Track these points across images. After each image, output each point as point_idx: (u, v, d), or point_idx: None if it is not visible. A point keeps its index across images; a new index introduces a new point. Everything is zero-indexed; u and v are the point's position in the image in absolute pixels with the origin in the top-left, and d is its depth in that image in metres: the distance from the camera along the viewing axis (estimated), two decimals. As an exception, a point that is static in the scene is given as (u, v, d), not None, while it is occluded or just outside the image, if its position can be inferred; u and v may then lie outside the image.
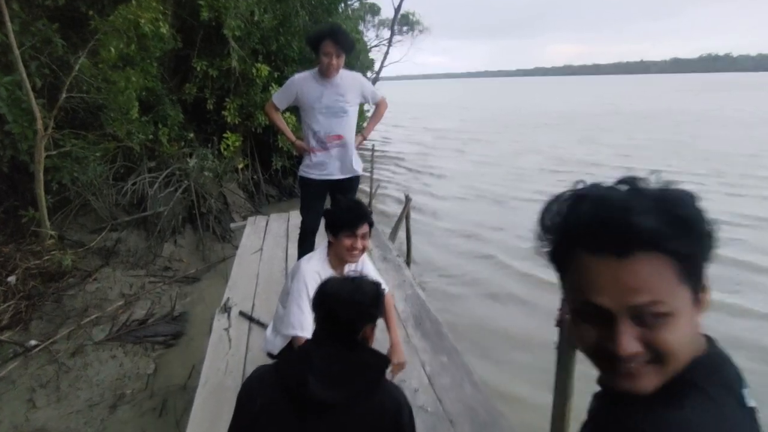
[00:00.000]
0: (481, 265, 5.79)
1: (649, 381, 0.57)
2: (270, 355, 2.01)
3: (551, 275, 0.64)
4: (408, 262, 4.10)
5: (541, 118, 24.50)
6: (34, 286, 4.10)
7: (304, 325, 1.76)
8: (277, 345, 1.93)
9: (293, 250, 3.80)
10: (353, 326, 1.12)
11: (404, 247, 4.94)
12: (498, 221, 7.46)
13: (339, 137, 2.86)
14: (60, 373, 3.29)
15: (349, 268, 1.98)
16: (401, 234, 4.92)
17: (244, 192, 7.83)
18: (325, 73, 2.75)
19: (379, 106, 3.09)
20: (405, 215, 4.13)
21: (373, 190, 5.43)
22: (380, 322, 2.14)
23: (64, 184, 4.83)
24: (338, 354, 1.09)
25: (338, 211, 1.89)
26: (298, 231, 3.15)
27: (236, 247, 5.38)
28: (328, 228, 1.90)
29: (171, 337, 3.99)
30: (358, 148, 3.03)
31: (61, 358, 3.43)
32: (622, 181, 0.60)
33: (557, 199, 0.62)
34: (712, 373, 0.58)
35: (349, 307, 1.11)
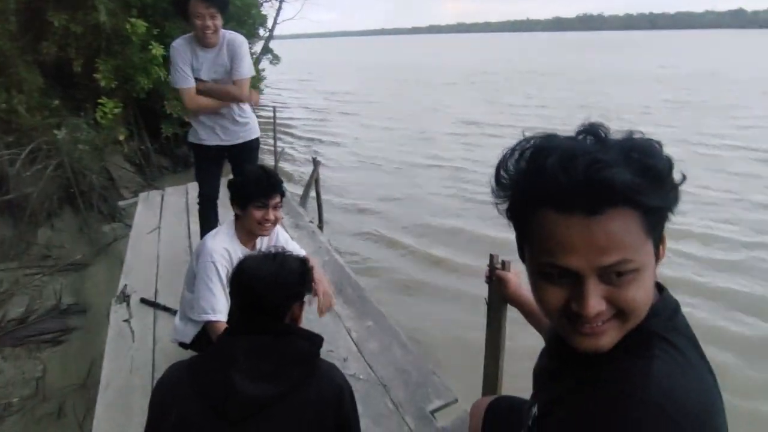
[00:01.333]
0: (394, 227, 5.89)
1: (610, 338, 0.57)
2: (182, 344, 1.86)
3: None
4: (321, 227, 4.01)
5: (441, 77, 24.56)
6: None
7: (217, 308, 1.63)
8: (189, 333, 1.79)
9: (195, 225, 3.50)
10: (279, 310, 1.01)
11: (316, 213, 4.83)
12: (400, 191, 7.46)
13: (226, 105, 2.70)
14: None
15: (261, 243, 1.86)
16: (311, 200, 4.81)
17: (131, 165, 7.07)
18: (203, 40, 2.48)
19: (237, 84, 2.66)
20: (315, 179, 3.99)
21: (278, 157, 5.18)
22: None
23: None
24: (265, 344, 0.96)
25: (245, 180, 1.73)
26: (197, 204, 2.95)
27: (129, 226, 4.88)
28: (234, 200, 1.76)
29: (60, 333, 3.55)
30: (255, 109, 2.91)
31: None
32: (583, 131, 0.56)
33: (513, 154, 0.57)
34: (670, 320, 0.58)
35: (274, 289, 1.00)
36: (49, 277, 4.33)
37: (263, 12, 10.19)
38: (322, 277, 1.92)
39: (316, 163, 4.08)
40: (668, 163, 0.54)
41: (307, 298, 1.11)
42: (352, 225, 5.83)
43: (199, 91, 2.61)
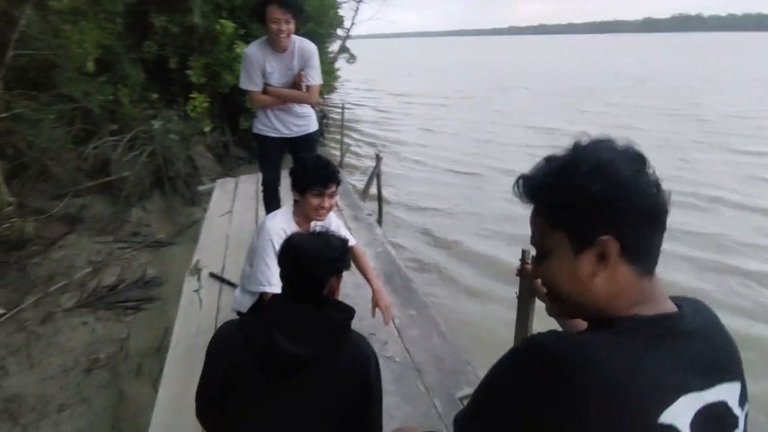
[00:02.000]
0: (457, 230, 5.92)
1: (556, 310, 0.75)
2: (239, 313, 2.03)
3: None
4: (380, 221, 4.16)
5: (518, 81, 23.35)
6: (-5, 255, 3.99)
7: (272, 281, 1.78)
8: (245, 303, 1.96)
9: (263, 211, 3.81)
10: (319, 281, 1.12)
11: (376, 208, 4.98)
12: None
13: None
14: (30, 341, 3.27)
15: (315, 226, 1.99)
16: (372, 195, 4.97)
17: (212, 155, 7.65)
18: (276, 43, 2.67)
19: (309, 91, 2.90)
20: (376, 174, 4.13)
21: (344, 151, 5.39)
22: (350, 278, 2.20)
23: (19, 148, 4.61)
24: (305, 310, 1.08)
25: (306, 169, 1.85)
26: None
27: (206, 211, 5.31)
28: (294, 186, 1.89)
29: (143, 301, 3.97)
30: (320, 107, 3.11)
31: (30, 326, 3.39)
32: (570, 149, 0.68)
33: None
34: (647, 324, 0.61)
35: (316, 262, 1.10)
36: (137, 251, 4.83)
37: (341, 13, 10.53)
38: (381, 289, 2.07)
39: (378, 158, 4.21)
40: (571, 180, 0.64)
41: (350, 278, 1.22)
42: (409, 222, 5.94)
43: (271, 95, 2.85)
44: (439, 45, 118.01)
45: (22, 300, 3.64)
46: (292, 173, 1.91)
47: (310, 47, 2.86)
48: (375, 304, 2.02)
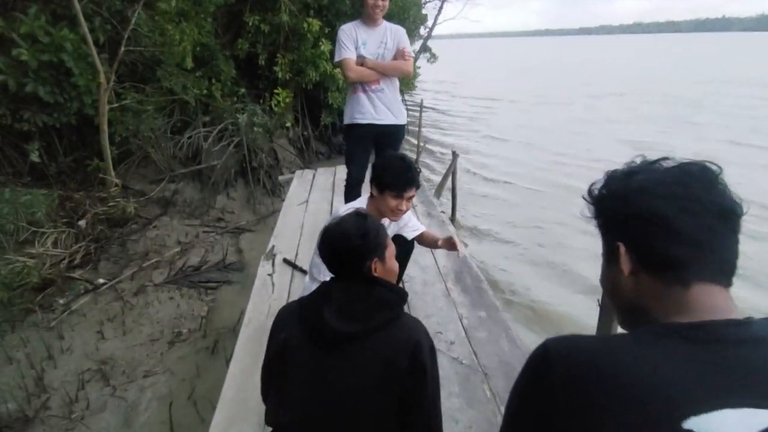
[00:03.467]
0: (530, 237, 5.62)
1: (617, 319, 0.73)
2: None
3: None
4: (452, 219, 4.06)
5: (605, 86, 21.04)
6: (102, 230, 4.42)
7: None
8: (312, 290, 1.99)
9: (338, 203, 3.89)
10: (358, 259, 1.14)
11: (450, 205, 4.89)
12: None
13: (377, 82, 2.88)
14: (125, 310, 3.58)
15: (387, 220, 1.98)
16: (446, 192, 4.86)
17: (293, 148, 7.96)
18: (371, 16, 2.76)
19: (403, 63, 2.91)
20: (452, 171, 4.02)
21: (420, 149, 5.35)
22: (419, 274, 2.14)
23: (126, 136, 5.09)
24: (355, 289, 1.12)
25: (388, 168, 1.83)
26: (344, 184, 3.21)
27: (284, 201, 5.51)
28: (373, 182, 1.88)
29: (222, 283, 4.21)
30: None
31: (125, 296, 3.72)
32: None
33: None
34: (667, 333, 0.59)
35: (351, 239, 1.14)
36: (220, 236, 5.14)
37: (424, 12, 10.49)
38: (451, 235, 2.08)
39: (454, 155, 4.10)
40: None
41: (388, 252, 1.23)
42: (480, 224, 5.71)
43: (367, 66, 2.83)
44: (524, 46, 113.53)
45: (120, 272, 4.01)
46: (375, 168, 1.90)
47: (401, 28, 2.96)
48: (450, 244, 1.98)
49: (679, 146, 9.19)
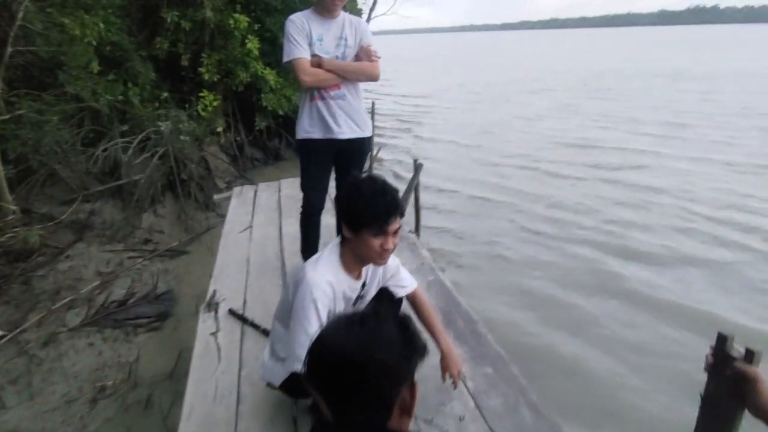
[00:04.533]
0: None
1: None
2: (270, 385, 1.63)
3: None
4: (417, 233, 3.63)
5: (532, 82, 20.33)
6: (-2, 268, 3.71)
7: None
8: (278, 374, 1.55)
9: (288, 227, 3.33)
10: (379, 399, 0.70)
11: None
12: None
13: (337, 87, 2.37)
14: (31, 367, 2.96)
15: (368, 271, 1.58)
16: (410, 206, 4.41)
17: (226, 156, 7.35)
18: (328, 6, 2.26)
19: (369, 65, 2.40)
20: (415, 184, 3.61)
21: (375, 153, 4.95)
22: None
23: (23, 152, 4.33)
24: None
25: (359, 199, 1.38)
26: (292, 202, 2.76)
27: (221, 216, 4.94)
28: (345, 220, 1.43)
29: (155, 318, 3.67)
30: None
31: (31, 349, 3.09)
32: None
33: None
34: None
35: (367, 371, 0.68)
36: (148, 261, 4.53)
37: (359, 6, 10.17)
38: (453, 350, 1.67)
39: (417, 167, 3.60)
40: None
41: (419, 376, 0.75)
42: (435, 243, 5.08)
43: (326, 68, 2.30)
44: (451, 41, 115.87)
45: (24, 319, 3.35)
46: (341, 202, 1.46)
47: (362, 20, 2.47)
48: (445, 368, 1.63)
49: (610, 140, 9.41)
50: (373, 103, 4.05)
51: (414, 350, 0.74)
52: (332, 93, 2.36)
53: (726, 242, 4.91)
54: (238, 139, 7.62)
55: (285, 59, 2.30)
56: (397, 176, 7.31)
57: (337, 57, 2.33)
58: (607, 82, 19.12)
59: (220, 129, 7.11)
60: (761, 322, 3.57)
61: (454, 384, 1.66)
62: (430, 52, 51.75)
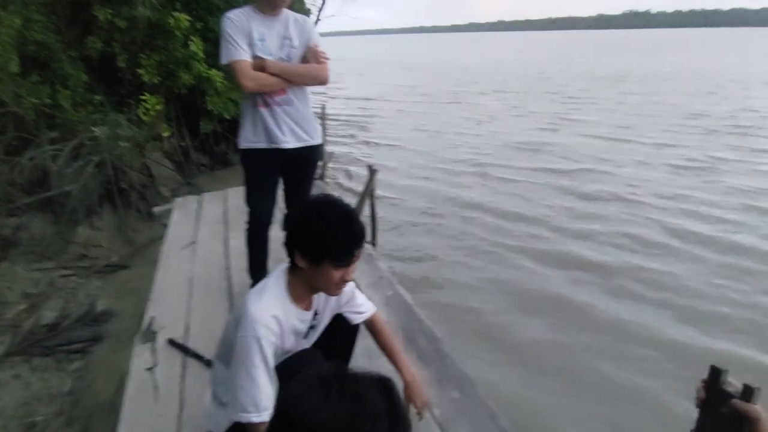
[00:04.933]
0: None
1: None
2: None
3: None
4: (374, 243, 3.47)
5: (480, 84, 20.69)
6: None
7: (261, 404, 1.19)
8: (220, 422, 1.36)
9: (235, 241, 3.08)
10: None
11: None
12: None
13: (283, 92, 2.19)
14: (-56, 406, 2.64)
15: (318, 299, 1.42)
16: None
17: (171, 162, 6.97)
18: (272, 3, 2.08)
19: (317, 67, 2.23)
20: (371, 190, 3.47)
21: (326, 160, 4.77)
22: (360, 341, 1.68)
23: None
24: None
25: (324, 227, 1.21)
26: (239, 214, 2.56)
27: (165, 226, 4.65)
28: (301, 248, 1.25)
29: (91, 342, 3.37)
30: None
31: (-55, 386, 2.75)
32: None
33: None
34: None
35: None
36: (85, 279, 4.20)
37: (306, 6, 9.97)
38: (417, 378, 1.55)
39: (372, 172, 3.44)
40: None
41: None
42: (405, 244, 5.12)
43: (270, 71, 2.11)
44: (401, 42, 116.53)
45: (-64, 351, 2.99)
46: (298, 228, 1.26)
47: (308, 18, 2.28)
48: (409, 399, 1.52)
49: (560, 142, 9.60)
50: (323, 107, 3.92)
51: (401, 424, 0.63)
52: (278, 98, 2.19)
53: (675, 250, 4.98)
54: (183, 144, 7.25)
55: (223, 61, 2.11)
56: (341, 186, 7.14)
57: (281, 59, 2.16)
58: (554, 84, 19.78)
59: (166, 134, 6.73)
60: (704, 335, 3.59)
61: (420, 416, 1.56)
62: (379, 54, 51.75)
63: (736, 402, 0.80)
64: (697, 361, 3.20)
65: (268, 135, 2.21)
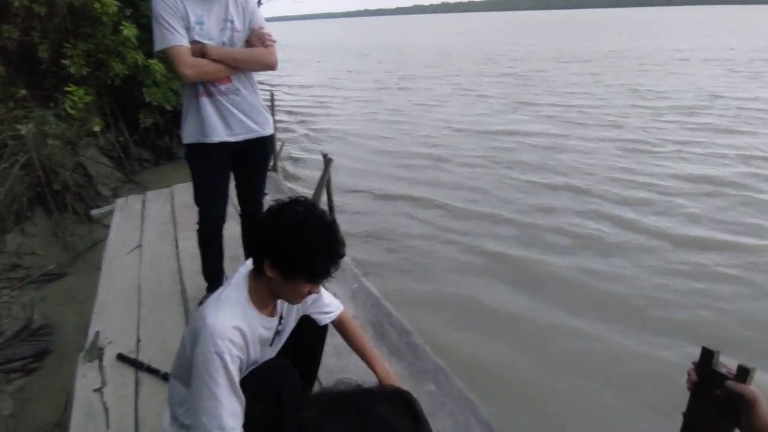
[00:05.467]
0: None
1: None
2: None
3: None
4: None
5: (429, 67, 20.48)
6: None
7: (226, 424, 1.09)
8: None
9: (186, 241, 2.88)
10: None
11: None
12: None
13: (227, 80, 2.01)
14: None
15: (282, 305, 1.32)
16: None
17: (109, 159, 6.52)
18: None
19: (263, 51, 2.06)
20: (327, 180, 3.34)
21: (278, 150, 4.55)
22: (329, 340, 1.59)
23: None
24: None
25: (305, 242, 1.11)
26: (188, 212, 2.39)
27: (107, 227, 4.35)
28: (273, 261, 1.14)
29: (32, 359, 3.11)
30: None
31: None
32: None
33: None
34: None
35: None
36: (18, 291, 3.86)
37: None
38: (391, 375, 1.51)
39: (327, 161, 3.29)
40: None
41: None
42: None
43: (212, 56, 1.92)
44: (346, 27, 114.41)
45: None
46: (272, 235, 1.14)
47: None
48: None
49: (513, 126, 9.59)
50: (272, 94, 3.72)
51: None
52: (222, 87, 2.01)
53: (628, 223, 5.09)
54: (122, 139, 6.79)
55: (157, 47, 1.91)
56: (293, 177, 6.94)
57: (223, 43, 1.98)
58: (502, 65, 19.96)
59: (97, 128, 6.26)
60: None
61: None
62: (324, 39, 50.59)
63: (731, 383, 0.77)
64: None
65: (214, 128, 2.03)
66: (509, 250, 4.69)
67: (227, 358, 1.10)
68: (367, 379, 1.51)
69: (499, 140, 8.68)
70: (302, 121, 11.10)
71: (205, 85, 2.00)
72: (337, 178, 6.29)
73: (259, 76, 2.28)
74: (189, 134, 2.07)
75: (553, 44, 29.93)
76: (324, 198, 3.50)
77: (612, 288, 3.96)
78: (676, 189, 5.96)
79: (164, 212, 3.41)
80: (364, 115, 11.55)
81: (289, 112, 12.15)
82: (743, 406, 0.75)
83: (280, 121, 8.87)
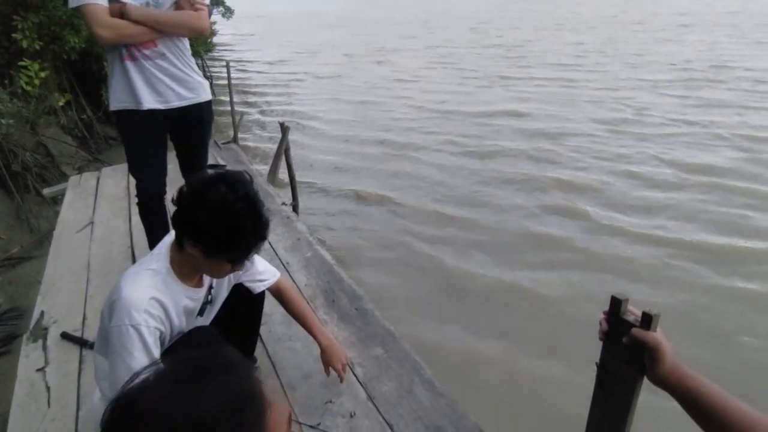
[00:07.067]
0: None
1: None
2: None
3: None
4: (295, 207, 3.30)
5: (400, 39, 19.63)
6: None
7: None
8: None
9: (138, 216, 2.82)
10: None
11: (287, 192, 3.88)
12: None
13: (152, 44, 1.89)
14: None
15: (209, 278, 1.30)
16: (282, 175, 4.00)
17: (72, 138, 6.31)
18: None
19: (191, 15, 1.93)
20: (285, 149, 3.27)
21: (237, 121, 4.45)
22: (279, 307, 1.59)
23: None
24: None
25: (231, 226, 1.07)
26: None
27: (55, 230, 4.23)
28: (194, 238, 1.10)
29: (0, 343, 3.07)
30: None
31: None
32: None
33: None
34: None
35: None
36: (-19, 276, 3.78)
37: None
38: (333, 342, 1.53)
39: (284, 129, 3.22)
40: None
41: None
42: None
43: (133, 18, 1.78)
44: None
45: None
46: (193, 215, 1.09)
47: None
48: (327, 363, 1.49)
49: (493, 102, 9.28)
50: (227, 63, 3.57)
51: (253, 417, 0.51)
52: (146, 51, 1.89)
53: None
54: (84, 117, 6.56)
55: (71, 4, 1.77)
56: (254, 151, 6.73)
57: (148, 4, 1.85)
58: (487, 36, 19.25)
59: (61, 103, 6.02)
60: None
61: (340, 378, 1.54)
62: (293, 11, 48.46)
63: (635, 330, 0.78)
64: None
65: (139, 93, 1.92)
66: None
67: (144, 330, 1.09)
68: (314, 346, 1.54)
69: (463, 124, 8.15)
70: (268, 101, 10.58)
71: (128, 48, 1.88)
72: (302, 153, 6.27)
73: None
74: (116, 100, 1.96)
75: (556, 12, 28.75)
76: (283, 165, 3.43)
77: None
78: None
79: (119, 188, 3.32)
80: (336, 93, 10.97)
81: (251, 92, 11.51)
82: (648, 353, 0.76)
83: (239, 103, 8.47)
